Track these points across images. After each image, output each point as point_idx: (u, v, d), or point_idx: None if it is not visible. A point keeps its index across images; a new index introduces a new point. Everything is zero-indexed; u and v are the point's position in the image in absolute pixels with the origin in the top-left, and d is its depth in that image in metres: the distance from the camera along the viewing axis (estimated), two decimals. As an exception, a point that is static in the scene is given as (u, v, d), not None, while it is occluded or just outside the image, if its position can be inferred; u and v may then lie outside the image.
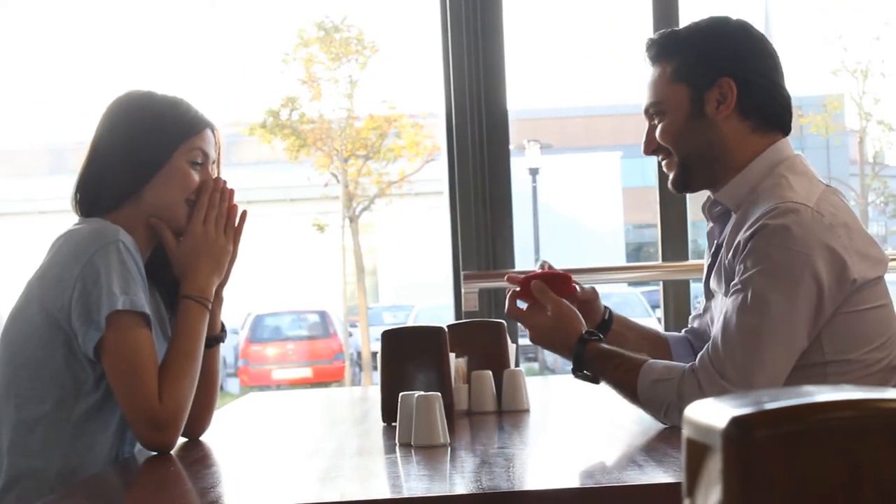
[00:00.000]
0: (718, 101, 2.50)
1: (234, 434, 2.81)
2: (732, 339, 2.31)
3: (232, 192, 2.60)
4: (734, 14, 2.60)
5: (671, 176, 2.59)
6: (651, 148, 2.61)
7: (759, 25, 2.61)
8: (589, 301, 2.74)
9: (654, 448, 2.18)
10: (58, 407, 2.42)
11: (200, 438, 2.66)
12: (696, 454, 0.87)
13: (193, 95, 2.65)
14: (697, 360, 2.37)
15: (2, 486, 2.41)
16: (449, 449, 2.26)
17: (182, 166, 2.55)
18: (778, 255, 2.31)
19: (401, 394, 2.39)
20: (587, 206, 25.04)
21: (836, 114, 20.63)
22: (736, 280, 2.36)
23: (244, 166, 22.50)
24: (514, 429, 2.61)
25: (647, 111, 2.61)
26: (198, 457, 2.44)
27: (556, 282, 2.64)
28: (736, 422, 0.81)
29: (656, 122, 2.58)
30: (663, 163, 2.62)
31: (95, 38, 24.69)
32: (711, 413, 0.84)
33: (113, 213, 2.53)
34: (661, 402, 2.38)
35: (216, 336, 2.64)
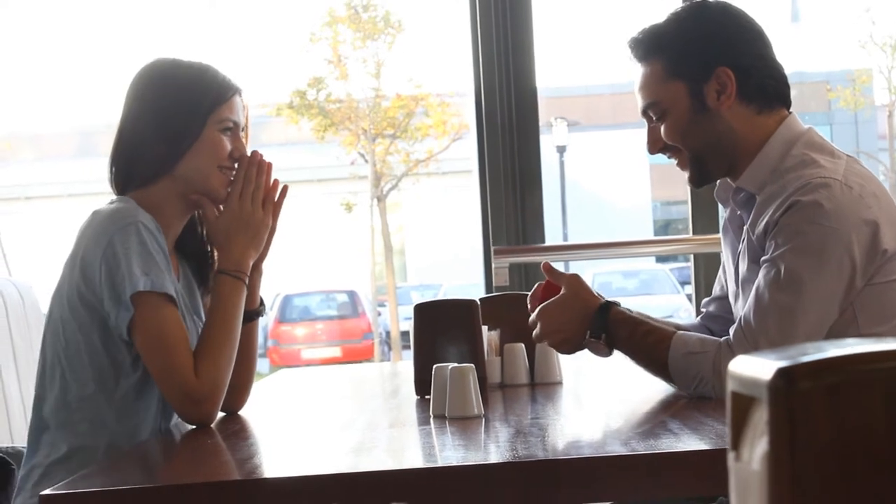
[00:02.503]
0: (718, 92, 2.48)
1: (267, 409, 2.82)
2: (765, 315, 2.31)
3: (270, 165, 2.60)
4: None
5: (687, 174, 2.57)
6: (657, 147, 2.59)
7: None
8: None
9: (689, 416, 2.18)
10: (100, 388, 2.44)
11: (236, 413, 2.68)
12: (742, 407, 0.87)
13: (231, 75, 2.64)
14: (731, 334, 2.36)
15: (57, 458, 2.44)
16: (483, 420, 2.26)
17: (214, 135, 2.55)
18: (810, 232, 2.30)
19: (435, 366, 2.40)
20: (615, 183, 24.99)
21: (865, 88, 20.51)
22: (767, 256, 2.35)
23: (271, 147, 22.55)
24: (547, 400, 2.61)
25: (645, 112, 2.57)
26: (234, 430, 2.45)
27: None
28: (782, 373, 0.81)
29: (657, 122, 2.56)
30: (674, 161, 2.59)
31: (123, 18, 24.73)
32: (756, 366, 0.85)
33: (147, 187, 2.54)
34: (695, 374, 2.37)
35: (255, 310, 2.65)
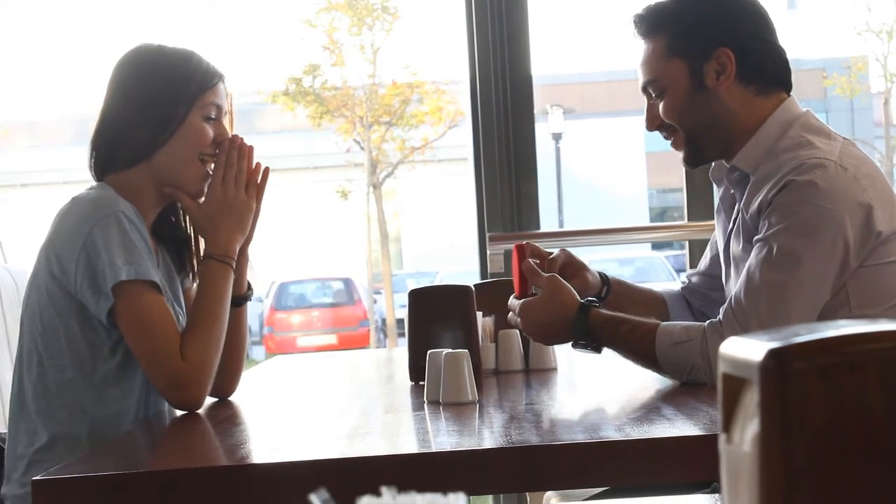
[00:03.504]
0: (718, 72, 2.48)
1: (260, 395, 2.82)
2: (757, 293, 2.31)
3: (251, 149, 2.59)
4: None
5: (682, 154, 2.58)
6: (655, 125, 2.59)
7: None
8: (572, 265, 2.73)
9: (683, 402, 2.18)
10: (78, 374, 2.43)
11: (228, 399, 2.67)
12: (733, 389, 0.87)
13: (216, 64, 2.63)
14: (721, 314, 2.36)
15: (40, 447, 2.43)
16: (477, 406, 2.26)
17: (197, 123, 2.54)
18: (805, 211, 2.30)
19: (429, 351, 2.39)
20: (610, 171, 25.01)
21: (861, 75, 20.51)
22: (760, 235, 2.35)
23: (266, 134, 22.54)
24: (541, 386, 2.61)
25: (645, 89, 2.58)
26: (225, 416, 2.44)
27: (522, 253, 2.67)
28: (773, 354, 0.81)
29: (656, 99, 2.57)
30: (669, 141, 2.60)
31: (120, 4, 24.71)
32: (748, 347, 0.84)
33: (125, 172, 2.54)
34: (685, 363, 2.37)
35: (243, 295, 2.64)
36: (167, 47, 2.60)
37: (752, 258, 2.35)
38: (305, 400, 2.74)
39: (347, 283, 19.50)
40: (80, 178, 2.65)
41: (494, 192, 4.53)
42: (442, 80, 17.87)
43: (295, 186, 22.21)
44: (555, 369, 2.86)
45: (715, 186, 2.71)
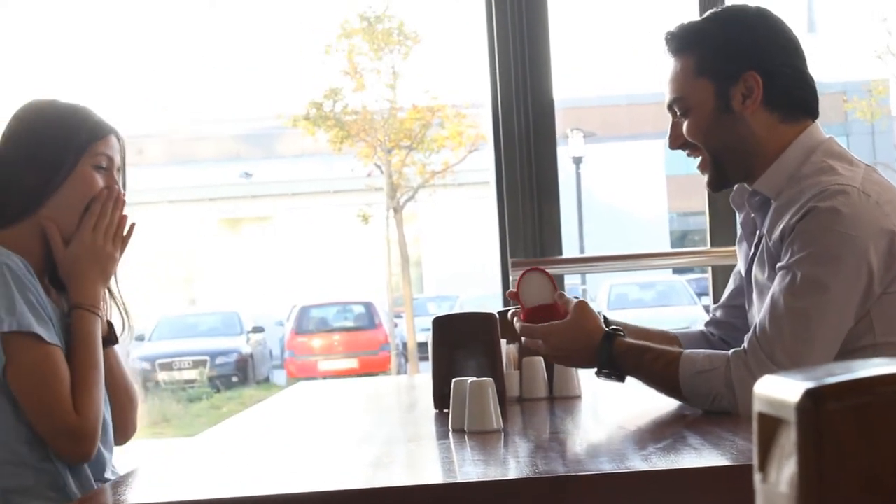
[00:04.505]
0: (744, 96, 2.48)
1: (282, 422, 2.81)
2: (781, 321, 2.30)
3: (124, 202, 2.61)
4: (755, 1, 2.58)
5: (706, 177, 2.58)
6: (678, 143, 2.59)
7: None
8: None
9: (709, 432, 2.16)
10: (3, 430, 2.41)
11: (245, 426, 2.67)
12: (769, 428, 0.86)
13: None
14: (746, 343, 2.35)
15: None
16: (503, 434, 2.25)
17: (87, 171, 2.55)
18: (827, 238, 2.29)
19: (454, 380, 2.39)
20: (631, 195, 24.99)
21: (882, 98, 20.47)
22: (783, 262, 2.34)
23: (287, 159, 22.60)
24: (566, 414, 2.60)
25: (670, 107, 2.59)
26: (248, 444, 2.44)
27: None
28: (810, 394, 0.80)
29: (681, 117, 2.56)
30: (695, 161, 2.59)
31: (143, 32, 24.82)
32: (784, 387, 0.84)
33: (14, 227, 2.53)
34: (709, 392, 2.36)
35: (109, 338, 2.64)
36: (59, 101, 2.62)
37: (776, 286, 2.34)
38: (327, 427, 2.74)
39: (368, 307, 19.53)
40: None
41: (516, 216, 4.53)
42: (462, 103, 17.90)
43: (315, 210, 22.27)
44: (579, 397, 2.85)
45: (736, 212, 2.70)
